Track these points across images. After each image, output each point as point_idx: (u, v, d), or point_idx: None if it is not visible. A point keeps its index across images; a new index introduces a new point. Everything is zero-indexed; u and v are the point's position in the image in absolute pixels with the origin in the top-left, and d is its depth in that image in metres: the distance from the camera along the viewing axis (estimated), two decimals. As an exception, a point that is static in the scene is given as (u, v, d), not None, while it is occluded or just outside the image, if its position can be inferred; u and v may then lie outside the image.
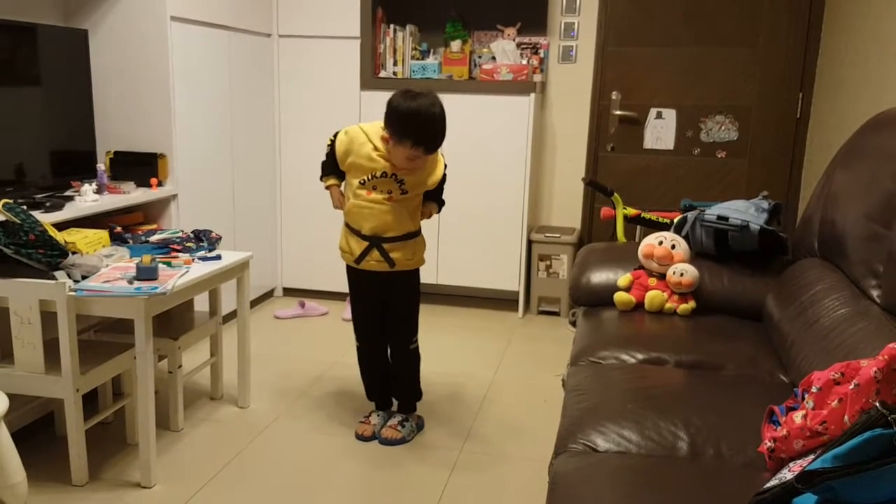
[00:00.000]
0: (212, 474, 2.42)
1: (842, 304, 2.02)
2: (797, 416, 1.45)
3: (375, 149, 2.43)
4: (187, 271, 2.45)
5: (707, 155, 4.25)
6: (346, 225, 2.55)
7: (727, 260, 2.68)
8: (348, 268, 2.62)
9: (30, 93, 2.73)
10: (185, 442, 2.63)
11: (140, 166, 3.14)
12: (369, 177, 2.45)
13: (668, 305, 2.56)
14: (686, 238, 2.73)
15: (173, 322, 2.76)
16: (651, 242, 2.67)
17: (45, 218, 2.44)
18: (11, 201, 2.29)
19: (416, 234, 2.56)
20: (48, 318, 2.19)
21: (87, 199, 2.77)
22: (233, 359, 2.97)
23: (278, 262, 4.34)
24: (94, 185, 2.86)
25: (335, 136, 2.53)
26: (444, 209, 2.70)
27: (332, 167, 2.56)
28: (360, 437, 2.68)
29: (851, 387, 1.34)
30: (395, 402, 2.80)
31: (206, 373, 3.02)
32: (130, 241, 2.76)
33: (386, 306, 2.65)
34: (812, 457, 1.27)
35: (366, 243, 2.49)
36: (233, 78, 3.69)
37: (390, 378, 2.76)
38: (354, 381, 3.01)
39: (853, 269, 2.09)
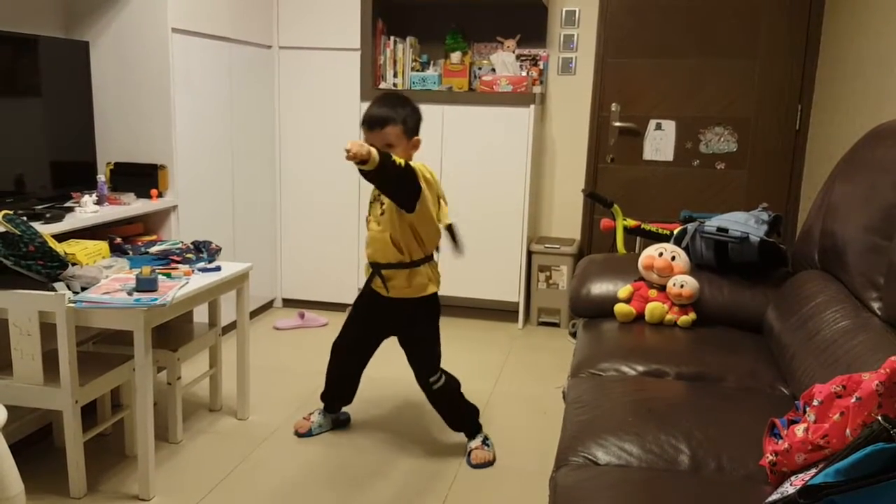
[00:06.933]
0: (210, 486, 2.41)
1: (842, 316, 2.02)
2: (799, 430, 1.44)
3: None
4: (187, 283, 2.45)
5: (706, 166, 4.25)
6: None
7: (727, 272, 2.68)
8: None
9: (31, 104, 2.74)
10: (183, 454, 2.62)
11: (140, 177, 3.14)
12: (370, 201, 2.53)
13: (668, 317, 2.56)
14: (686, 250, 2.73)
15: (172, 333, 2.76)
16: (651, 254, 2.67)
17: (45, 229, 2.44)
18: (11, 212, 2.29)
19: (410, 265, 2.45)
20: (47, 330, 2.19)
21: (87, 210, 2.77)
22: (232, 370, 2.96)
23: (278, 273, 4.34)
24: (94, 197, 2.86)
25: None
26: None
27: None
28: (298, 434, 2.74)
29: (853, 400, 1.33)
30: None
31: (205, 384, 3.01)
32: (130, 253, 2.76)
33: (379, 339, 2.68)
34: (814, 471, 1.27)
35: (370, 269, 2.54)
36: (233, 89, 3.70)
37: (351, 384, 2.78)
38: (354, 392, 3.01)
39: (854, 281, 2.09)
